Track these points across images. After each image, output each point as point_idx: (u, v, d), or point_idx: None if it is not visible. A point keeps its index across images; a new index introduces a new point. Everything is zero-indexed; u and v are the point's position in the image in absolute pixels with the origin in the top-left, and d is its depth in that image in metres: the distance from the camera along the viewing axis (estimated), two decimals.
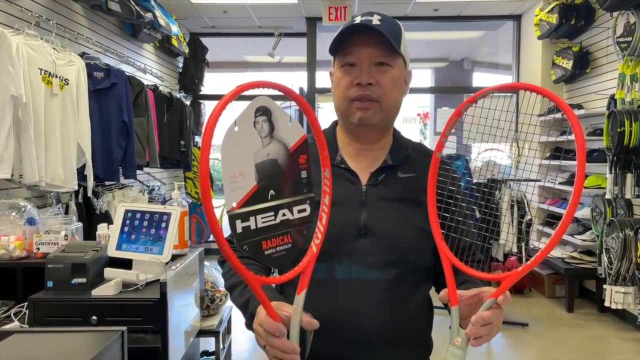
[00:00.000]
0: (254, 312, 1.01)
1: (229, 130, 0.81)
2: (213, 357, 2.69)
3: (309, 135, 1.30)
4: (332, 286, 1.13)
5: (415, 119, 9.41)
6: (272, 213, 0.87)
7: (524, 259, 4.60)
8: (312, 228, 0.94)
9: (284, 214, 0.89)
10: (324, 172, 0.96)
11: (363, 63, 1.14)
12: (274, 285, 1.17)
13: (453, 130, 1.06)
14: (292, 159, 0.89)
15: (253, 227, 0.85)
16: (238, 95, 0.79)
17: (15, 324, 1.75)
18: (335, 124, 1.30)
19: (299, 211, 0.91)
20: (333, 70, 1.23)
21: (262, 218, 0.86)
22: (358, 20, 1.15)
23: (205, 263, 2.39)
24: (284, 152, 0.88)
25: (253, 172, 0.84)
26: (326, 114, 7.59)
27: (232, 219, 0.83)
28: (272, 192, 0.87)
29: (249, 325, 1.04)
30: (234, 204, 0.82)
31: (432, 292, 1.23)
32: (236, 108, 0.82)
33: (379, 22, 1.13)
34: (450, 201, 1.09)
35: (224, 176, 0.81)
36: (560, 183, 5.02)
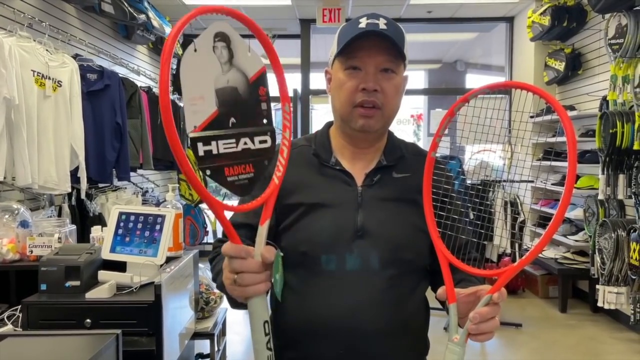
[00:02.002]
0: None
1: (188, 52, 0.81)
2: (208, 359, 2.68)
3: (301, 137, 1.31)
4: (332, 286, 1.13)
5: (408, 120, 9.44)
6: (234, 140, 0.86)
7: (517, 259, 4.62)
8: (274, 160, 0.94)
9: (245, 143, 0.88)
10: (284, 107, 0.96)
11: (369, 68, 1.13)
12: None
13: (446, 131, 1.06)
14: (252, 89, 0.89)
15: (215, 151, 0.84)
16: (193, 18, 0.80)
17: (8, 328, 1.74)
18: (328, 125, 1.29)
19: (260, 142, 0.90)
20: (331, 69, 1.22)
21: (224, 144, 0.85)
22: (364, 22, 1.14)
23: (200, 265, 2.38)
24: (244, 81, 0.88)
25: (213, 97, 0.84)
26: (320, 116, 7.60)
27: (194, 141, 0.82)
28: (232, 119, 0.86)
29: (231, 302, 1.02)
30: (195, 126, 0.82)
31: (428, 292, 1.24)
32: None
33: (385, 27, 1.13)
34: (446, 200, 1.09)
35: (184, 98, 0.81)
36: (552, 184, 5.04)
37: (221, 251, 0.94)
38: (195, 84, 0.82)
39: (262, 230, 0.92)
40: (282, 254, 0.97)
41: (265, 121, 0.91)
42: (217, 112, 0.84)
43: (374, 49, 1.13)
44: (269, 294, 1.03)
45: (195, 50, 0.82)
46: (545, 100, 0.89)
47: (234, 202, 1.11)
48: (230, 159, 0.86)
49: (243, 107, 0.88)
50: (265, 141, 0.91)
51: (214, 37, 0.84)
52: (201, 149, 0.83)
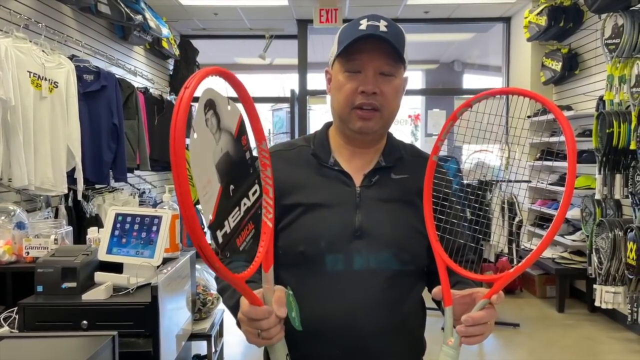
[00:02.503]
0: None
1: (191, 141, 0.75)
2: None
3: (300, 137, 1.31)
4: (330, 288, 1.13)
5: (406, 120, 9.44)
6: (237, 208, 0.84)
7: (514, 259, 4.63)
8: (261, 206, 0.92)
9: (244, 204, 0.86)
10: (261, 145, 0.93)
11: (368, 71, 1.13)
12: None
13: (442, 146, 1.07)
14: (237, 143, 0.85)
15: (228, 230, 0.82)
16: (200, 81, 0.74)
17: (4, 330, 1.73)
18: (327, 125, 1.29)
19: (253, 194, 0.88)
20: (331, 70, 1.21)
21: (233, 217, 0.83)
22: (364, 24, 1.13)
23: (197, 266, 2.38)
24: (231, 140, 0.84)
25: (216, 175, 0.80)
26: (318, 116, 7.60)
27: (212, 231, 0.79)
28: (232, 187, 0.83)
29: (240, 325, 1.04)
30: (211, 216, 0.78)
31: (425, 292, 1.24)
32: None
33: (385, 29, 1.12)
34: (445, 203, 1.09)
35: (198, 191, 0.76)
36: (550, 184, 5.05)
37: (239, 318, 0.97)
38: (202, 170, 0.77)
39: (269, 276, 0.94)
40: (291, 292, 0.99)
41: (251, 170, 0.88)
42: (221, 188, 0.80)
43: (373, 52, 1.12)
44: None
45: (195, 135, 0.75)
46: (547, 108, 0.89)
47: None
48: (238, 229, 0.84)
49: (235, 168, 0.85)
50: (255, 191, 0.89)
51: (204, 110, 0.78)
52: (219, 235, 0.79)
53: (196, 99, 0.75)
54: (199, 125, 0.76)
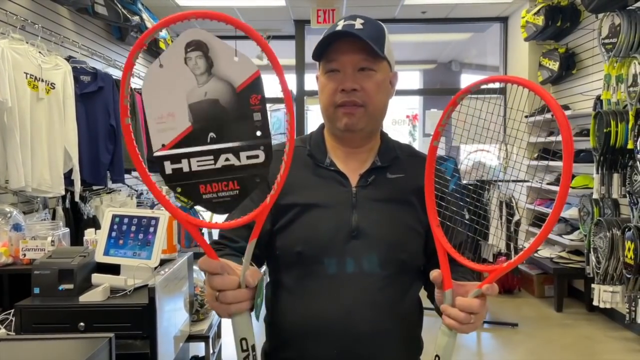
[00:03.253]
0: None
1: (151, 69, 0.75)
2: None
3: (296, 138, 1.31)
4: (327, 287, 1.13)
5: (404, 120, 9.44)
6: (211, 157, 0.81)
7: (513, 258, 4.63)
8: (266, 175, 0.85)
9: (227, 159, 0.81)
10: (287, 118, 0.89)
11: (346, 69, 1.14)
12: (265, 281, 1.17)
13: (443, 132, 1.06)
14: (240, 98, 0.80)
15: (186, 169, 0.80)
16: (158, 29, 0.75)
17: (1, 332, 1.73)
18: (323, 126, 1.29)
19: (249, 157, 0.82)
20: (319, 74, 1.23)
21: (198, 161, 0.80)
22: (341, 24, 1.15)
23: (195, 267, 2.37)
24: (229, 91, 0.80)
25: (186, 112, 0.78)
26: (315, 117, 7.59)
27: (160, 160, 0.78)
28: (212, 134, 0.80)
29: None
30: (162, 145, 0.77)
31: (422, 292, 1.24)
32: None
33: (361, 27, 1.13)
34: (442, 203, 1.09)
35: (148, 118, 0.76)
36: (548, 183, 5.05)
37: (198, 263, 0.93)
38: (161, 101, 0.77)
39: (250, 247, 0.89)
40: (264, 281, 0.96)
41: (259, 133, 0.82)
42: (192, 127, 0.79)
43: (349, 50, 1.13)
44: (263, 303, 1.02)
45: (161, 66, 0.75)
46: (542, 99, 0.89)
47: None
48: (206, 176, 0.81)
49: (226, 120, 0.80)
50: (255, 156, 0.82)
51: (185, 48, 0.77)
52: (169, 167, 0.79)
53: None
54: (170, 59, 0.76)
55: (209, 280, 0.90)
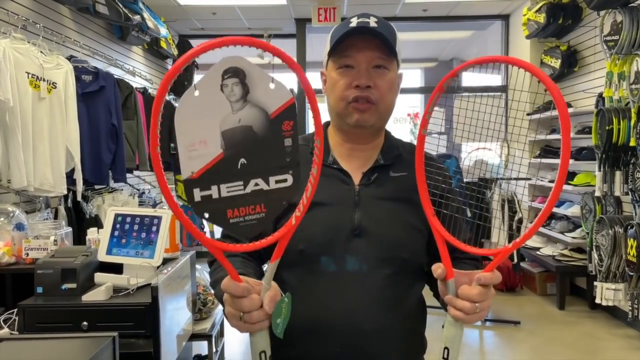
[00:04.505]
0: None
1: (187, 95, 0.75)
2: None
3: (301, 136, 1.31)
4: (330, 285, 1.13)
5: (405, 119, 9.43)
6: (241, 182, 0.81)
7: (515, 256, 4.63)
8: (292, 200, 0.87)
9: (256, 184, 0.82)
10: (315, 142, 0.90)
11: (361, 65, 1.14)
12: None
13: (443, 130, 1.06)
14: (273, 125, 0.81)
15: (215, 196, 0.80)
16: (198, 55, 0.74)
17: (5, 331, 1.73)
18: (326, 124, 1.29)
19: (278, 181, 0.84)
20: (325, 70, 1.22)
21: (228, 187, 0.81)
22: (354, 22, 1.14)
23: (197, 266, 2.37)
24: (263, 118, 0.80)
25: (218, 139, 0.78)
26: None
27: (189, 186, 0.78)
28: (242, 160, 0.81)
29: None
30: (192, 173, 0.78)
31: (425, 291, 1.24)
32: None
33: (375, 25, 1.13)
34: (443, 201, 1.09)
35: (179, 145, 0.76)
36: (550, 181, 5.05)
37: (223, 299, 0.94)
38: (194, 128, 0.77)
39: (272, 267, 0.91)
40: (287, 298, 0.95)
41: (288, 159, 0.83)
42: (223, 154, 0.79)
43: (365, 46, 1.13)
44: None
45: (197, 92, 0.75)
46: (537, 78, 0.89)
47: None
48: (234, 201, 0.81)
49: (258, 145, 0.81)
50: (284, 180, 0.84)
51: (222, 75, 0.77)
52: (197, 194, 0.79)
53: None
54: (206, 86, 0.76)
55: (233, 302, 0.91)
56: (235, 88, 0.78)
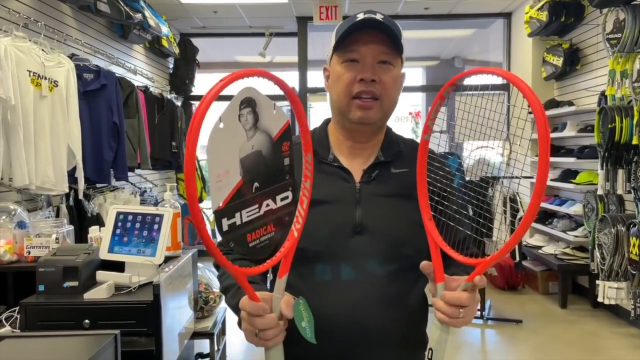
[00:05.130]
0: None
1: (215, 129, 0.78)
2: (208, 359, 2.67)
3: (298, 135, 1.31)
4: (331, 283, 1.13)
5: (406, 117, 9.43)
6: (257, 205, 0.85)
7: (517, 254, 4.62)
8: (294, 213, 0.93)
9: (267, 204, 0.87)
10: (306, 157, 0.95)
11: (367, 60, 1.14)
12: (269, 280, 1.18)
13: (445, 128, 1.06)
14: (276, 147, 0.87)
15: (239, 222, 0.83)
16: (226, 87, 0.76)
17: (6, 329, 1.73)
18: (326, 122, 1.29)
19: (282, 199, 0.89)
20: (329, 66, 1.22)
21: (247, 212, 0.84)
22: (361, 16, 1.14)
23: (199, 264, 2.37)
24: (268, 141, 0.86)
25: (238, 167, 0.82)
26: (318, 114, 7.59)
27: (218, 217, 0.81)
28: (256, 184, 0.85)
29: (241, 325, 1.03)
30: (220, 203, 0.80)
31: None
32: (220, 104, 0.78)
33: (382, 20, 1.13)
34: (444, 194, 1.09)
35: (210, 177, 0.79)
36: (551, 180, 5.04)
37: (241, 316, 0.97)
38: (221, 159, 0.79)
39: (281, 283, 0.94)
40: (302, 300, 0.98)
41: (287, 177, 0.89)
42: (242, 181, 0.82)
43: (371, 41, 1.13)
44: None
45: (222, 125, 0.78)
46: (507, 80, 0.88)
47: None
48: (252, 224, 0.85)
49: (267, 168, 0.86)
50: (286, 197, 0.90)
51: (239, 105, 0.80)
52: (225, 224, 0.81)
53: (229, 97, 0.79)
54: (228, 118, 0.79)
55: (250, 320, 0.94)
56: (249, 117, 0.82)
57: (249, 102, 0.81)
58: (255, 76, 0.80)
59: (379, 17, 1.14)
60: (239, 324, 1.05)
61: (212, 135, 0.78)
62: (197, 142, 0.73)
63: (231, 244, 0.83)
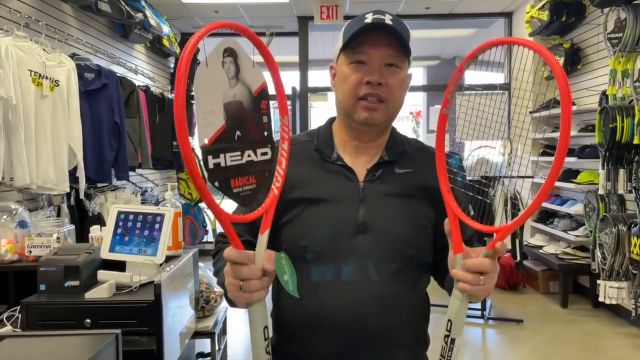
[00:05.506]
0: None
1: (201, 68, 0.84)
2: (209, 358, 2.67)
3: (303, 133, 1.31)
4: (333, 282, 1.13)
5: (407, 117, 9.44)
6: (239, 153, 0.89)
7: (518, 254, 4.62)
8: (273, 171, 0.97)
9: (249, 155, 0.91)
10: (282, 119, 0.99)
11: (374, 62, 1.13)
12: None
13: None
14: (255, 102, 0.92)
15: (223, 164, 0.87)
16: (207, 34, 0.81)
17: (7, 329, 1.73)
18: (331, 121, 1.29)
19: (262, 154, 0.93)
20: (335, 64, 1.22)
21: (231, 157, 0.88)
22: (370, 18, 1.14)
23: (200, 264, 2.37)
24: (248, 95, 0.91)
25: (222, 111, 0.87)
26: (319, 114, 7.59)
27: (205, 154, 0.85)
28: (238, 133, 0.89)
29: (230, 302, 1.02)
30: (206, 140, 0.85)
31: (429, 288, 1.24)
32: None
33: (391, 22, 1.13)
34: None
35: (197, 113, 0.84)
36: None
37: (226, 268, 0.96)
38: (207, 98, 0.85)
39: (263, 239, 0.94)
40: (283, 254, 0.98)
41: (265, 134, 0.94)
42: (225, 125, 0.87)
43: (379, 43, 1.13)
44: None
45: (207, 66, 0.84)
46: (543, 58, 0.87)
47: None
48: (235, 171, 0.89)
49: (247, 120, 0.91)
50: (266, 153, 0.94)
51: (223, 53, 0.86)
52: (211, 161, 0.86)
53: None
54: (212, 61, 0.85)
55: (234, 270, 0.93)
56: (231, 66, 0.87)
57: (231, 52, 0.87)
58: (225, 29, 0.87)
59: (388, 18, 1.13)
60: (225, 295, 1.03)
61: (198, 73, 0.83)
62: (185, 81, 0.77)
63: (216, 183, 0.86)
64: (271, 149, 0.95)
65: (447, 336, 0.99)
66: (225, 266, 0.96)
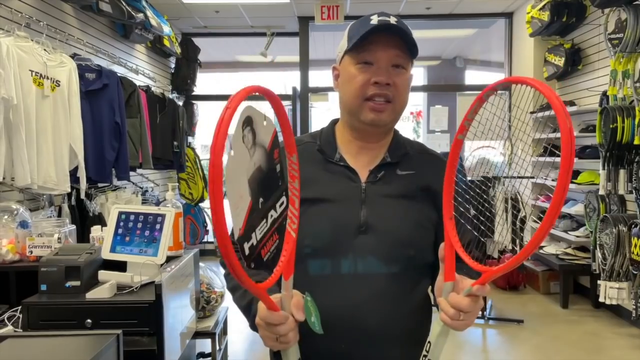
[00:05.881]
0: (256, 312, 1.02)
1: (229, 159, 0.76)
2: (209, 358, 2.67)
3: (306, 134, 1.31)
4: (335, 282, 1.13)
5: (408, 117, 9.42)
6: (265, 220, 0.85)
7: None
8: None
9: (271, 215, 0.87)
10: (290, 158, 0.95)
11: (382, 62, 1.14)
12: None
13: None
14: (269, 156, 0.87)
15: (254, 242, 0.83)
16: (244, 98, 0.75)
17: (8, 329, 1.73)
18: (334, 122, 1.30)
19: (280, 205, 0.90)
20: (339, 65, 1.22)
21: (259, 229, 0.84)
22: (375, 19, 1.14)
23: (200, 264, 2.37)
24: (264, 154, 0.86)
25: (247, 189, 0.81)
26: (320, 114, 7.58)
27: (240, 243, 0.80)
28: (261, 199, 0.84)
29: (253, 326, 1.04)
30: (241, 231, 0.79)
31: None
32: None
33: (395, 24, 1.14)
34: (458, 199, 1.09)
35: (230, 208, 0.77)
36: (553, 180, 5.03)
37: (256, 322, 0.99)
38: (237, 186, 0.79)
39: (288, 284, 0.95)
40: (309, 297, 0.99)
41: (280, 182, 0.90)
42: (251, 202, 0.82)
43: (386, 44, 1.14)
44: None
45: (233, 154, 0.77)
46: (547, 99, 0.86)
47: None
48: (263, 239, 0.85)
49: (266, 181, 0.86)
50: (282, 203, 0.90)
51: (242, 127, 0.79)
52: (246, 248, 0.81)
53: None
54: (236, 143, 0.78)
55: (270, 330, 0.95)
56: (249, 135, 0.81)
57: (248, 122, 0.81)
58: (256, 93, 0.80)
59: (392, 20, 1.14)
60: (252, 326, 1.06)
61: (228, 166, 0.76)
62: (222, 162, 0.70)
63: (252, 265, 0.83)
64: (285, 194, 0.91)
65: (425, 356, 1.01)
66: (257, 319, 0.98)
